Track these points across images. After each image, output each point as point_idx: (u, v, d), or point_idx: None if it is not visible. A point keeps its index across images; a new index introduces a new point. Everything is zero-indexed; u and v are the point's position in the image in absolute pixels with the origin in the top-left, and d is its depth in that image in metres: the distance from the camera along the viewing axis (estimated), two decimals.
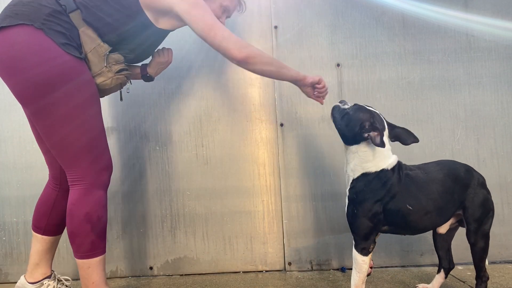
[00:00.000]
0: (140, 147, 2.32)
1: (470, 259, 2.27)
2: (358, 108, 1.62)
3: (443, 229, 1.75)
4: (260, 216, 2.31)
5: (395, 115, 2.33)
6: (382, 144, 1.55)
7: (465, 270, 2.18)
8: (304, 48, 2.34)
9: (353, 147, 1.61)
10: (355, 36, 2.35)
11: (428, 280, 2.04)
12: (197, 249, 2.31)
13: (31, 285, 1.74)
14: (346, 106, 1.66)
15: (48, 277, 1.78)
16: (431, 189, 1.60)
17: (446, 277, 1.86)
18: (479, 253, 1.65)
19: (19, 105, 2.25)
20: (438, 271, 1.86)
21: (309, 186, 2.31)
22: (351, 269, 2.25)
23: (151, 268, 2.30)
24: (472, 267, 2.23)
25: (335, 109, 1.69)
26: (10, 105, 2.29)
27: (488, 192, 1.68)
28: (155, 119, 2.33)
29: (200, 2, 1.62)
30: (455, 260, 2.29)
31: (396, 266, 2.29)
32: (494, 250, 2.30)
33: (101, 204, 1.58)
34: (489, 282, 1.96)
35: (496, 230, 2.31)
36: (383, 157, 1.61)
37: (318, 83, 1.83)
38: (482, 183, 1.68)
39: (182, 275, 2.29)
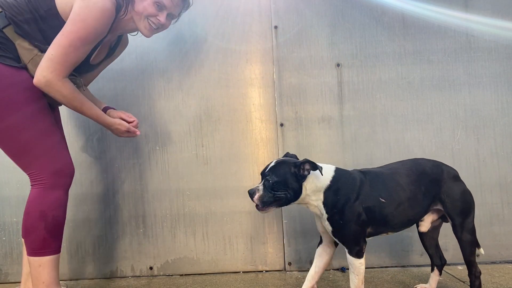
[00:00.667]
0: (140, 147, 2.32)
1: None
2: (274, 168, 1.61)
3: (424, 227, 1.77)
4: (260, 216, 2.31)
5: (395, 115, 2.33)
6: (316, 166, 1.57)
7: (465, 270, 2.17)
8: (304, 48, 2.34)
9: (303, 193, 1.61)
10: (355, 36, 2.35)
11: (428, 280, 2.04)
12: (197, 249, 2.31)
13: None
14: (260, 185, 1.63)
15: None
16: (397, 182, 1.65)
17: (440, 274, 1.87)
18: (468, 246, 1.67)
19: None
20: (432, 270, 1.88)
21: None
22: None
23: (151, 268, 2.30)
24: None
25: (261, 198, 1.60)
26: None
27: (464, 185, 1.73)
28: (155, 119, 2.33)
29: (82, 18, 1.55)
30: (454, 261, 2.30)
31: (396, 266, 2.29)
32: (494, 250, 2.30)
33: (58, 204, 1.60)
34: (489, 282, 1.97)
35: (496, 230, 2.31)
36: (324, 168, 1.65)
37: (128, 119, 1.83)
38: (454, 176, 1.72)
39: (182, 275, 2.29)
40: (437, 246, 1.85)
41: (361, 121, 2.33)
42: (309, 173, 1.60)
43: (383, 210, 1.61)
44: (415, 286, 1.94)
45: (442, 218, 1.78)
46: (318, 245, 1.78)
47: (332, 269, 2.28)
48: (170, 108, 2.33)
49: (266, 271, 2.31)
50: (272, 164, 1.63)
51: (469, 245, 1.67)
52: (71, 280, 2.27)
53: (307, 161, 1.58)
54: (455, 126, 2.34)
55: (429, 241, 1.83)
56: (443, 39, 2.36)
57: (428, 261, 2.28)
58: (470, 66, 2.35)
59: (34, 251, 1.57)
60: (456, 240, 2.32)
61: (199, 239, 2.32)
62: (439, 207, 1.71)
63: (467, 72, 2.35)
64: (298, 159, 1.71)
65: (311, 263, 2.30)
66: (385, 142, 2.33)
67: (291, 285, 2.05)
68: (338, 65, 2.34)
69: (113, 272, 2.30)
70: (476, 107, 2.35)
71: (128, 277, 2.29)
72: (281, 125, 2.33)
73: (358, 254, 1.60)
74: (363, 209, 1.59)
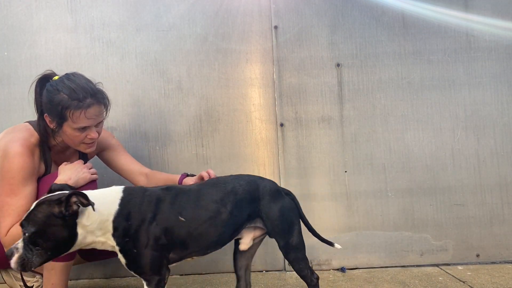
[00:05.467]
0: (140, 147, 2.32)
1: (470, 259, 2.31)
2: (30, 215, 1.26)
3: (244, 245, 1.58)
4: None
5: (395, 115, 2.33)
6: (88, 200, 1.27)
7: (465, 270, 2.18)
8: (304, 48, 2.34)
9: (80, 234, 1.30)
10: (355, 36, 2.35)
11: (428, 280, 2.04)
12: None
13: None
14: (20, 242, 1.25)
15: (42, 275, 1.78)
16: (200, 199, 1.48)
17: None
18: (297, 264, 1.56)
19: (19, 105, 2.27)
20: None
21: (309, 186, 2.31)
22: (351, 269, 2.27)
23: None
24: (472, 266, 2.25)
25: (21, 260, 1.22)
26: (10, 105, 2.29)
27: (289, 202, 1.57)
28: (155, 119, 2.33)
29: (5, 172, 1.54)
30: (455, 261, 2.31)
31: (396, 266, 2.28)
32: (494, 250, 2.30)
33: None
34: (489, 282, 1.97)
35: (496, 230, 2.31)
36: (105, 195, 1.40)
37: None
38: (273, 192, 1.56)
39: (182, 275, 2.29)
40: (247, 268, 1.67)
41: (361, 121, 2.33)
42: (79, 207, 1.27)
43: (182, 230, 1.41)
44: None
45: (269, 234, 1.59)
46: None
47: (332, 269, 2.28)
48: (170, 108, 2.33)
49: (266, 271, 2.31)
50: (31, 208, 1.28)
51: (297, 262, 1.55)
52: (71, 280, 2.27)
53: (74, 194, 1.26)
54: (455, 126, 2.34)
55: (242, 261, 1.65)
56: (443, 39, 2.35)
57: (429, 261, 2.30)
58: (470, 66, 2.35)
59: None
60: (457, 241, 2.33)
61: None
62: (260, 225, 1.55)
63: (467, 72, 2.35)
64: (71, 189, 1.39)
65: (311, 263, 2.31)
66: (385, 142, 2.33)
67: (291, 285, 2.05)
68: (338, 65, 2.34)
69: (113, 272, 2.30)
70: (476, 107, 2.35)
71: (128, 277, 2.29)
72: (281, 125, 2.33)
73: (159, 285, 1.38)
74: (162, 231, 1.38)
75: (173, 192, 1.47)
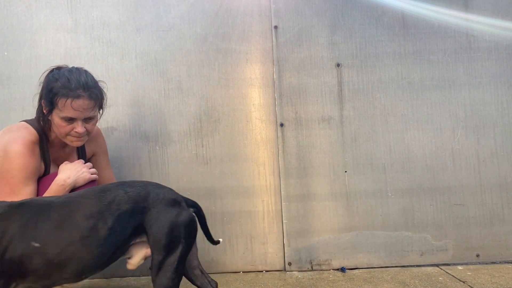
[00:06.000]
0: (140, 147, 2.32)
1: (470, 259, 2.31)
2: None
3: (132, 265, 1.39)
4: (260, 216, 2.31)
5: (395, 115, 2.33)
6: None
7: (465, 270, 2.18)
8: (304, 48, 2.35)
9: None
10: (355, 36, 2.35)
11: (428, 280, 2.04)
12: (197, 249, 2.31)
13: None
14: None
15: None
16: (68, 216, 1.24)
17: None
18: None
19: (19, 105, 2.27)
20: None
21: (309, 186, 2.32)
22: (351, 269, 2.27)
23: (151, 268, 2.30)
24: (472, 267, 2.25)
25: None
26: (10, 105, 2.29)
27: (186, 217, 1.37)
28: (155, 119, 2.33)
29: (5, 170, 1.54)
30: (454, 261, 2.30)
31: (396, 266, 2.28)
32: (494, 250, 2.30)
33: None
34: (489, 282, 1.97)
35: (496, 230, 2.31)
36: None
37: None
38: (167, 201, 1.34)
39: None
40: (202, 273, 1.53)
41: (361, 121, 2.33)
42: None
43: (36, 258, 1.16)
44: None
45: None
46: None
47: (332, 269, 2.28)
48: (170, 108, 2.33)
49: (266, 271, 2.31)
50: None
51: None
52: None
53: None
54: (455, 126, 2.34)
55: (192, 271, 1.50)
56: (443, 39, 2.36)
57: (429, 261, 2.30)
58: (470, 66, 2.35)
59: None
60: (457, 241, 2.33)
61: (199, 239, 2.30)
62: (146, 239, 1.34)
63: (467, 72, 2.35)
64: None
65: (311, 263, 2.31)
66: (385, 142, 2.33)
67: (291, 285, 2.05)
68: (338, 65, 2.34)
69: (113, 272, 2.30)
70: (476, 107, 2.35)
71: (128, 277, 2.29)
72: (281, 125, 2.33)
73: None
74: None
75: (27, 211, 1.22)
